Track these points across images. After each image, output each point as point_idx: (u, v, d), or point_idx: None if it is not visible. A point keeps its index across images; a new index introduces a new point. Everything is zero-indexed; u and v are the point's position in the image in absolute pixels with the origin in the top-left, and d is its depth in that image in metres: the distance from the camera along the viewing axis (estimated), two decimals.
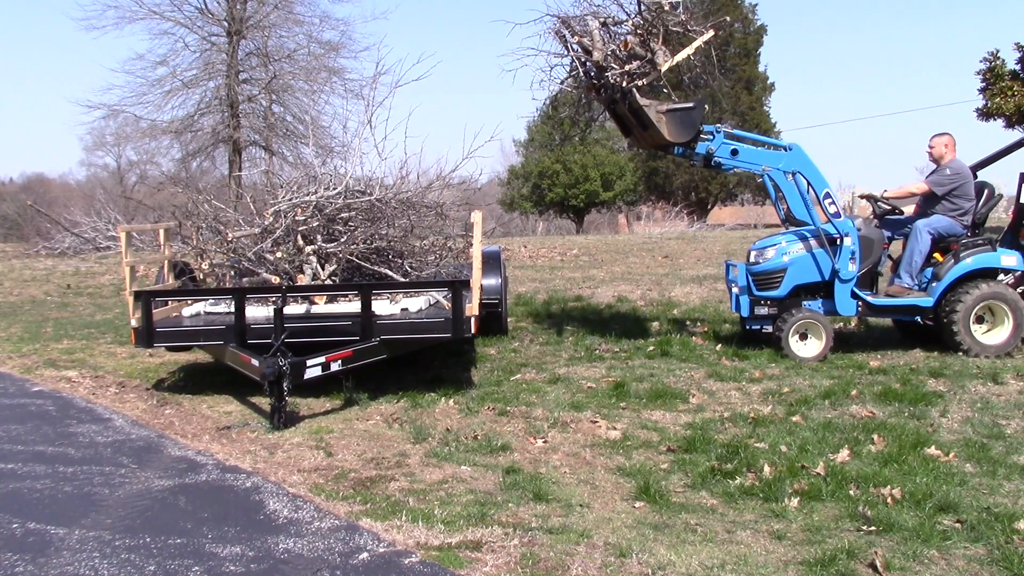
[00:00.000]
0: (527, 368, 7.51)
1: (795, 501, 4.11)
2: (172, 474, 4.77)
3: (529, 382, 6.95)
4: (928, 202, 7.87)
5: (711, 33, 7.65)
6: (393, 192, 7.92)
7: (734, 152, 7.60)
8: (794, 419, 5.61)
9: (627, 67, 7.45)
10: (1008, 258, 7.60)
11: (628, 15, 7.81)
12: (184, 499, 4.35)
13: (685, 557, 3.52)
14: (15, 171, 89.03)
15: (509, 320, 9.63)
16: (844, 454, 4.80)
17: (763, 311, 7.86)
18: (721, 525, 3.88)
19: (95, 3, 31.14)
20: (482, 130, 14.23)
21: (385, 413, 6.06)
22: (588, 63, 7.70)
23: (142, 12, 25.42)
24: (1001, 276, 7.67)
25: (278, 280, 7.15)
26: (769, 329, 7.81)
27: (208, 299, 7.15)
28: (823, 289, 7.77)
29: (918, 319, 7.88)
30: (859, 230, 7.62)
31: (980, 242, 7.64)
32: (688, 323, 9.61)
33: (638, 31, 7.69)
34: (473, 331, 6.36)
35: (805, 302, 7.75)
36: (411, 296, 6.99)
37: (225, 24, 26.41)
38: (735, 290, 8.03)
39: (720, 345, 8.22)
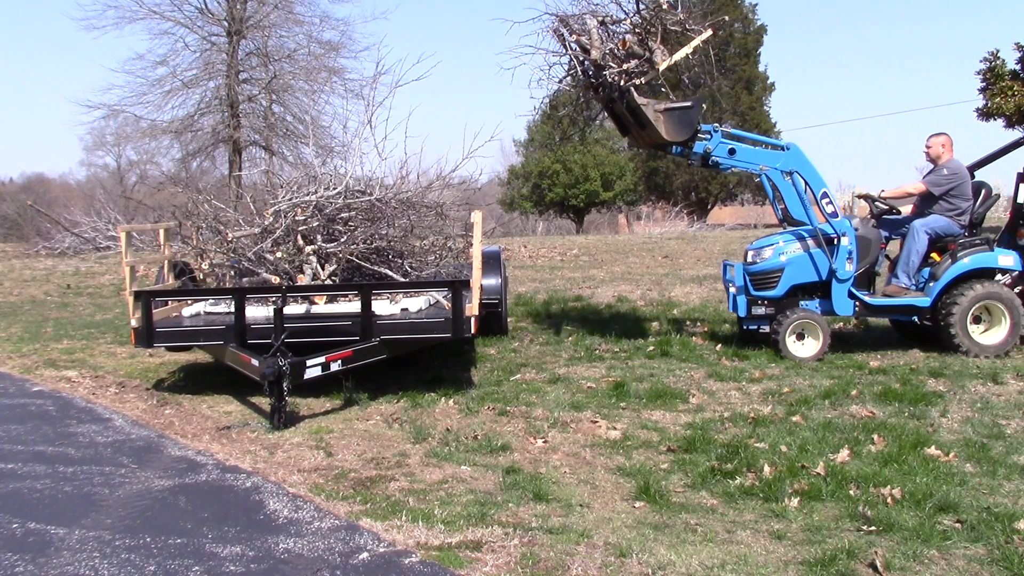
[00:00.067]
0: (527, 368, 7.51)
1: (795, 501, 4.11)
2: (172, 474, 4.77)
3: (529, 382, 6.96)
4: (925, 202, 7.87)
5: (709, 32, 7.66)
6: (393, 192, 7.92)
7: (731, 151, 7.60)
8: (794, 419, 5.61)
9: (625, 66, 7.45)
10: (1005, 258, 7.60)
11: (626, 14, 7.82)
12: (184, 499, 4.36)
13: (685, 557, 3.52)
14: (15, 171, 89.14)
15: (509, 320, 9.63)
16: (844, 454, 4.80)
17: (760, 311, 7.87)
18: (721, 525, 3.89)
19: (95, 3, 31.19)
20: (482, 130, 14.26)
21: (385, 413, 6.06)
22: (586, 62, 7.70)
23: (142, 12, 25.46)
24: (999, 276, 7.67)
25: (278, 280, 7.15)
26: (766, 329, 7.81)
27: (208, 299, 7.15)
28: (820, 289, 7.77)
29: (915, 319, 7.88)
30: (856, 230, 7.62)
31: (977, 242, 7.65)
32: (688, 323, 9.61)
33: (636, 30, 7.69)
34: (473, 331, 6.36)
35: (802, 302, 7.76)
36: (411, 296, 6.99)
37: (225, 24, 26.41)
38: (732, 290, 8.03)
39: (720, 345, 8.22)
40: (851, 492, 4.22)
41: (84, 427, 5.87)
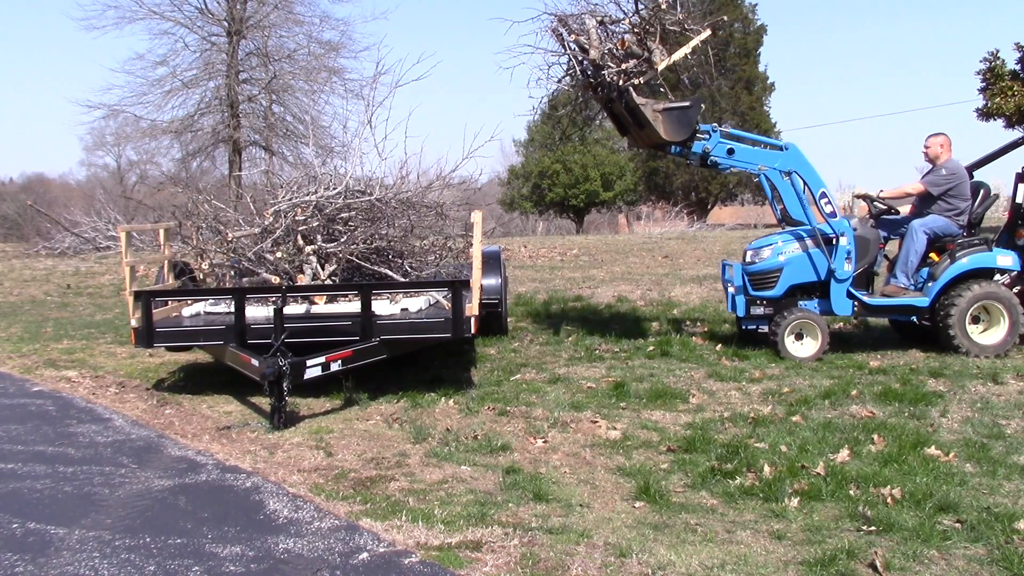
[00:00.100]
0: (527, 368, 7.51)
1: (795, 501, 4.11)
2: (172, 474, 4.77)
3: (529, 382, 6.96)
4: (924, 202, 7.88)
5: (708, 32, 7.66)
6: (393, 192, 7.92)
7: (730, 151, 7.60)
8: (794, 419, 5.61)
9: (624, 66, 7.45)
10: (1004, 258, 7.60)
11: (625, 14, 7.82)
12: (184, 499, 4.36)
13: (685, 557, 3.52)
14: (15, 171, 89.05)
15: (509, 320, 9.63)
16: (844, 454, 4.80)
17: (759, 311, 7.87)
18: (721, 525, 3.89)
19: (95, 3, 31.12)
20: (482, 130, 14.26)
21: (385, 413, 6.06)
22: (585, 61, 7.70)
23: (142, 12, 25.45)
24: (997, 276, 7.68)
25: (278, 280, 7.15)
26: (765, 329, 7.82)
27: (208, 299, 7.15)
28: (819, 289, 7.77)
29: (914, 319, 7.88)
30: (855, 230, 7.62)
31: (976, 242, 7.65)
32: (688, 323, 9.61)
33: (635, 30, 7.69)
34: (473, 331, 6.36)
35: (801, 302, 7.76)
36: (411, 296, 6.99)
37: (225, 24, 26.40)
38: (731, 290, 8.03)
39: (720, 345, 8.22)
40: (851, 492, 4.22)
41: (84, 427, 5.87)
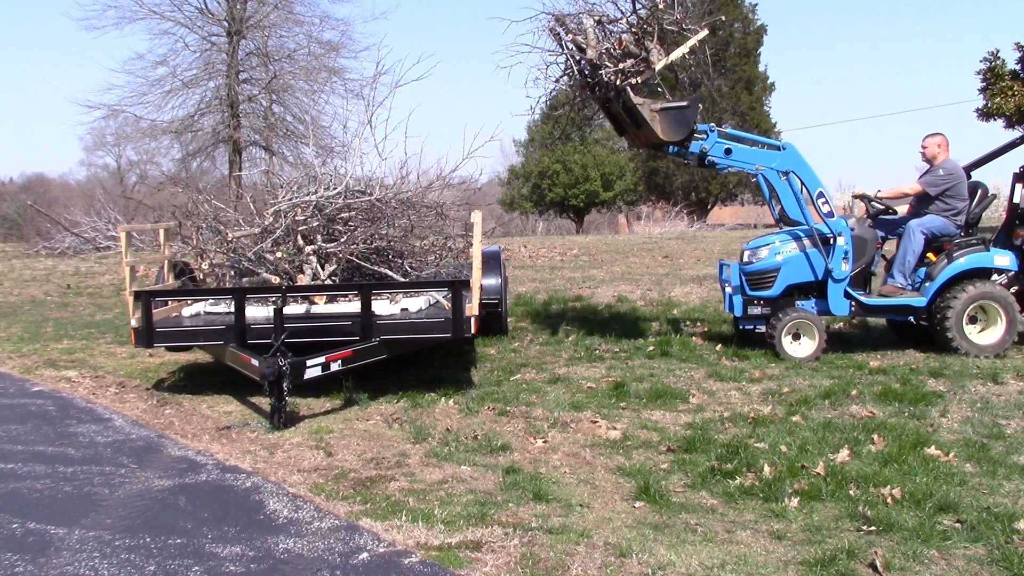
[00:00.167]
0: (527, 368, 7.51)
1: (795, 501, 4.11)
2: (172, 474, 4.77)
3: (529, 382, 6.96)
4: (922, 202, 7.88)
5: (705, 32, 7.66)
6: (393, 192, 7.92)
7: (728, 151, 7.60)
8: (794, 419, 5.61)
9: (621, 65, 7.45)
10: (1001, 258, 7.61)
11: (623, 13, 7.81)
12: (184, 499, 4.36)
13: (685, 557, 3.52)
14: (15, 171, 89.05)
15: (509, 320, 9.64)
16: (844, 454, 4.80)
17: (756, 311, 7.87)
18: (721, 525, 3.89)
19: (95, 3, 31.17)
20: (482, 130, 14.25)
21: (385, 413, 6.06)
22: (582, 61, 7.70)
23: (142, 12, 25.46)
24: (995, 276, 7.68)
25: (278, 280, 7.15)
26: (762, 329, 7.82)
27: (208, 299, 7.15)
28: (816, 289, 7.77)
29: (911, 319, 7.89)
30: (852, 230, 7.63)
31: (973, 242, 7.66)
32: (688, 323, 9.61)
33: (632, 29, 7.69)
34: (473, 331, 6.36)
35: (798, 302, 7.76)
36: (411, 296, 6.99)
37: (225, 24, 26.40)
38: (728, 290, 8.04)
39: (720, 345, 8.22)
40: (851, 492, 4.22)
41: (84, 427, 5.87)
